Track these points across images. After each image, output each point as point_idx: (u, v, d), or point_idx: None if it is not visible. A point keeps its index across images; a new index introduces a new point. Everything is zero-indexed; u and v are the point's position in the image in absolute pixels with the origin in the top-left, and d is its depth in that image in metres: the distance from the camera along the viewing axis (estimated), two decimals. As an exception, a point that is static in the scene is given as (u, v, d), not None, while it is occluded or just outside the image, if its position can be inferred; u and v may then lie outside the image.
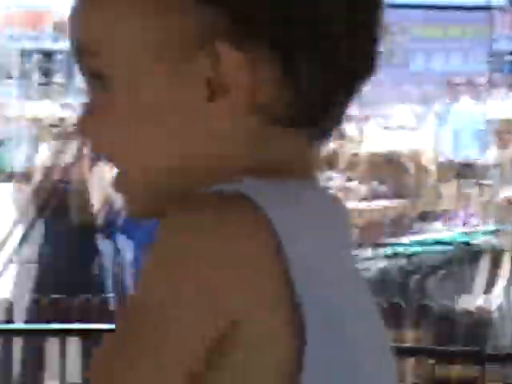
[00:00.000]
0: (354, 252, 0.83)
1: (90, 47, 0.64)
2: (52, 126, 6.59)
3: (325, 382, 0.60)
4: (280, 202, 0.60)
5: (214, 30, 0.61)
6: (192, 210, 0.59)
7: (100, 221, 5.13)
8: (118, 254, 5.02)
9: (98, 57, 0.64)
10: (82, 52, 0.65)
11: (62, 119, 6.55)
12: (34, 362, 4.50)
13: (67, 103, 8.37)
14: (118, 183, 0.67)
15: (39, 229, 4.93)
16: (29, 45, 10.72)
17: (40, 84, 10.60)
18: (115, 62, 0.63)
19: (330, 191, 0.74)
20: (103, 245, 4.99)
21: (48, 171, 5.37)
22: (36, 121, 8.00)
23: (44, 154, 5.71)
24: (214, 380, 0.59)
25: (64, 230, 4.86)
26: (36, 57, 10.93)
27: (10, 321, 4.69)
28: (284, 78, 0.62)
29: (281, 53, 0.62)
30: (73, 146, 5.60)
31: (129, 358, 0.58)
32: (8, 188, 5.87)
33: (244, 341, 0.58)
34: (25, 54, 10.82)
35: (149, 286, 0.59)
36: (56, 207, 5.06)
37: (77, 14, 0.66)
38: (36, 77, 10.82)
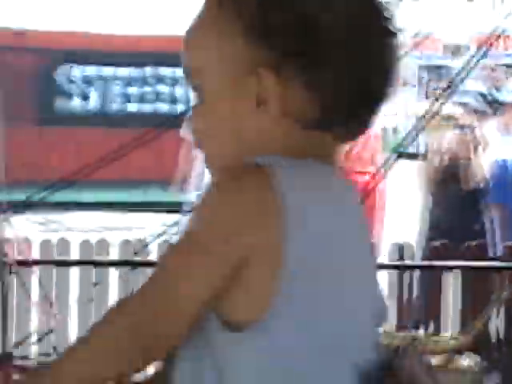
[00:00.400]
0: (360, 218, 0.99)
1: (193, 73, 0.93)
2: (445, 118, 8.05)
3: (301, 286, 0.83)
4: (289, 171, 0.84)
5: (259, 61, 0.85)
6: (224, 176, 0.88)
7: (481, 188, 6.27)
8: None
9: (197, 78, 0.92)
10: (189, 74, 0.94)
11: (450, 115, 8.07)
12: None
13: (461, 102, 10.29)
14: (206, 161, 0.96)
15: (436, 195, 6.28)
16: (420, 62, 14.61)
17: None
18: (205, 82, 0.90)
19: (341, 175, 0.96)
20: (482, 206, 6.17)
21: (443, 153, 6.66)
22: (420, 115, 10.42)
23: (439, 141, 7.03)
24: (235, 288, 0.82)
25: (453, 195, 6.13)
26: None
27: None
28: (307, 93, 0.85)
29: (305, 77, 0.85)
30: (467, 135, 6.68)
31: (178, 266, 0.84)
32: (407, 165, 7.25)
33: (252, 262, 0.81)
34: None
35: (192, 224, 0.86)
36: (448, 179, 6.31)
37: (184, 50, 0.94)
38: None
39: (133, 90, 12.45)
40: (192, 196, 7.36)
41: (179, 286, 0.82)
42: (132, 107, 12.40)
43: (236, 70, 0.87)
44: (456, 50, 13.98)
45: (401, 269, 5.50)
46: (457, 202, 6.01)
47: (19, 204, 4.58)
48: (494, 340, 5.04)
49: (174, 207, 8.21)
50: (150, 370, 0.95)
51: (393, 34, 0.87)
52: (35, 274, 4.52)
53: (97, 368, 0.85)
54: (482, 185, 5.96)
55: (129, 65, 12.29)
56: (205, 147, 0.93)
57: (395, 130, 13.66)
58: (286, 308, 0.82)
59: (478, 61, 4.43)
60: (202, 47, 0.90)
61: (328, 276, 0.85)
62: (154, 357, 0.86)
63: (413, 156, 7.02)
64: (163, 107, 12.15)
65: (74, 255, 5.21)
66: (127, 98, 12.44)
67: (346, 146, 1.21)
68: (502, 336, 5.07)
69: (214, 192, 0.86)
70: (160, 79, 12.47)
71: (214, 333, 0.84)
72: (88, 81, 12.26)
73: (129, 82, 12.45)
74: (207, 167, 0.97)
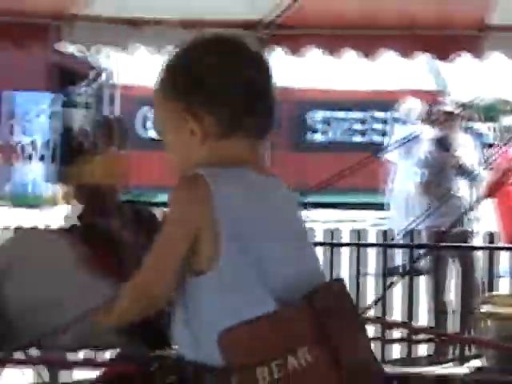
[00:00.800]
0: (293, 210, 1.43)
1: (156, 125, 1.49)
2: None
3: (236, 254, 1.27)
4: (213, 174, 1.28)
5: (182, 110, 1.32)
6: (181, 180, 1.32)
7: None
8: None
9: (158, 127, 1.44)
10: (155, 126, 1.56)
11: None
12: None
13: None
14: (175, 170, 1.40)
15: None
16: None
17: None
18: (163, 128, 1.41)
19: (263, 173, 1.39)
20: None
21: None
22: None
23: None
24: (199, 253, 1.26)
25: None
26: None
27: None
28: (211, 118, 1.32)
29: (206, 110, 1.32)
30: None
31: (165, 241, 1.32)
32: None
33: (200, 236, 1.26)
34: None
35: (168, 213, 1.36)
36: None
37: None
38: None
39: (356, 127, 16.39)
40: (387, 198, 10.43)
41: (167, 251, 1.31)
42: (356, 138, 16.37)
43: (174, 119, 1.36)
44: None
45: None
46: None
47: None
48: None
49: (379, 206, 11.35)
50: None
51: (247, 71, 1.34)
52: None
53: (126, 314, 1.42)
54: None
55: (353, 109, 16.31)
56: (173, 163, 1.41)
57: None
58: (228, 260, 1.26)
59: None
60: (158, 111, 1.43)
61: (252, 237, 1.29)
62: (157, 302, 1.33)
63: None
64: (377, 139, 15.68)
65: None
66: (353, 132, 16.36)
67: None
68: None
69: (174, 194, 1.32)
70: (374, 119, 16.27)
71: (186, 281, 1.29)
72: (326, 120, 16.34)
73: (354, 121, 16.46)
74: (177, 174, 1.39)
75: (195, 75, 1.33)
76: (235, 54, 1.37)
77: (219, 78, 1.33)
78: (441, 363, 5.66)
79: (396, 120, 11.90)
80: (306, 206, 3.22)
